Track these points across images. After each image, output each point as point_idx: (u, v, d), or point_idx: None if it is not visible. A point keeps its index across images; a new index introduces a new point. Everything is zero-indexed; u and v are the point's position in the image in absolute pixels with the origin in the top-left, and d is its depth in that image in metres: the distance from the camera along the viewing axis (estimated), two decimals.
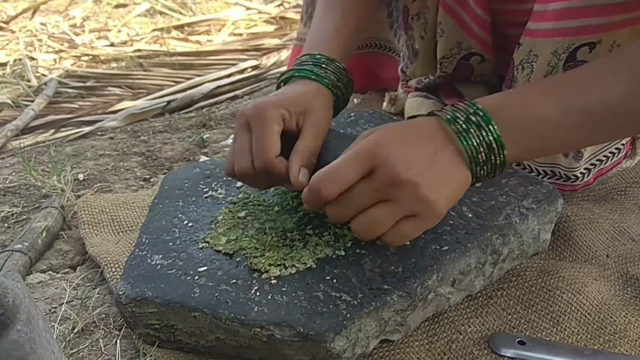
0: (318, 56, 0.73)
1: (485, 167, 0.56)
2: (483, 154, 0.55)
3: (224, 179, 0.77)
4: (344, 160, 0.54)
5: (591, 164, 0.77)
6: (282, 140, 0.65)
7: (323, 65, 0.72)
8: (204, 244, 0.66)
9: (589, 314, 0.63)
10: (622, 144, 0.79)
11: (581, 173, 0.76)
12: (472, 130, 0.55)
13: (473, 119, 0.55)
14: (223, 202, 0.73)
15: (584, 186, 0.78)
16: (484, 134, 0.55)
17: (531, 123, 0.56)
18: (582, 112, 0.56)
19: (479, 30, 0.82)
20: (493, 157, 0.56)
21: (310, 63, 0.72)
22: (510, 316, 0.64)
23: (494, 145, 0.55)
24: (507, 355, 0.59)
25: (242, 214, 0.70)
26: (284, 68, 1.24)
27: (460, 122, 0.55)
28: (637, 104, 0.56)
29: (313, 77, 0.71)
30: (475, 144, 0.55)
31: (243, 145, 0.66)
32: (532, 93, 0.58)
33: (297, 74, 0.71)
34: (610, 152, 0.79)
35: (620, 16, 0.66)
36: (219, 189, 0.75)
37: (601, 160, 0.78)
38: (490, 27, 0.82)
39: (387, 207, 0.54)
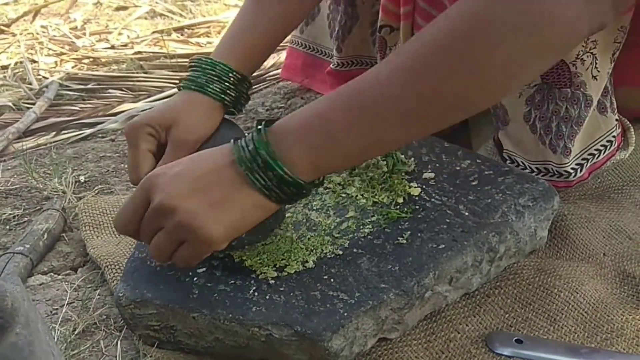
0: (208, 61, 0.75)
1: (282, 191, 0.56)
2: (274, 184, 0.55)
3: None
4: (130, 197, 0.59)
5: (583, 159, 0.78)
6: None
7: (210, 71, 0.75)
8: None
9: (586, 312, 0.63)
10: (614, 136, 0.80)
11: (573, 169, 0.76)
12: (256, 169, 0.55)
13: (259, 159, 0.55)
14: None
15: (578, 181, 0.78)
16: (270, 172, 0.55)
17: (321, 133, 0.55)
18: (365, 107, 0.55)
19: None
20: (287, 185, 0.55)
21: (198, 70, 0.75)
22: (507, 315, 0.64)
23: (284, 177, 0.55)
24: (505, 353, 0.60)
25: None
26: (280, 71, 1.25)
27: (245, 157, 0.55)
28: (421, 89, 0.54)
29: (193, 87, 0.75)
30: (260, 179, 0.55)
31: (128, 162, 0.74)
32: (318, 104, 0.57)
33: (183, 84, 0.76)
34: (601, 146, 0.79)
35: None
36: None
37: (593, 155, 0.78)
38: None
39: (162, 233, 0.57)
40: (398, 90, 0.54)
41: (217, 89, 0.75)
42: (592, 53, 0.72)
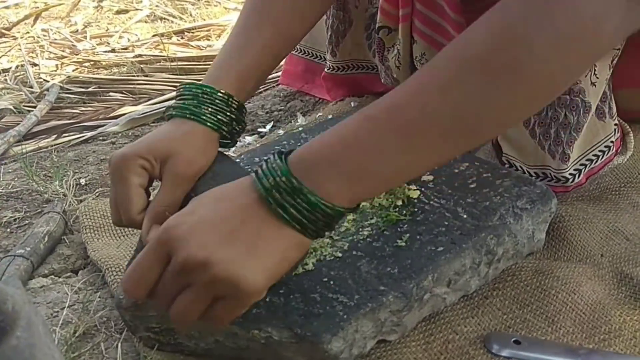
0: (204, 88, 0.68)
1: (318, 224, 0.51)
2: (311, 217, 0.51)
3: None
4: (142, 255, 0.52)
5: (581, 165, 0.78)
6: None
7: (206, 99, 0.67)
8: None
9: (583, 313, 0.64)
10: (612, 141, 0.80)
11: (571, 174, 0.77)
12: (290, 203, 0.50)
13: (283, 185, 0.50)
14: None
15: (576, 186, 0.78)
16: (299, 200, 0.50)
17: (356, 159, 0.51)
18: (401, 129, 0.51)
19: None
20: (320, 214, 0.51)
21: (192, 97, 0.67)
22: (505, 316, 0.64)
23: (314, 206, 0.50)
24: (503, 354, 0.60)
25: None
26: (280, 73, 1.25)
27: (274, 192, 0.51)
28: (460, 105, 0.51)
29: (188, 114, 0.66)
30: (295, 214, 0.50)
31: (111, 198, 0.65)
32: (347, 128, 0.53)
33: (174, 113, 0.67)
34: (599, 151, 0.79)
35: None
36: None
37: (591, 160, 0.79)
38: None
39: (190, 292, 0.50)
40: (435, 108, 0.51)
41: (214, 118, 0.67)
42: None
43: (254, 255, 0.50)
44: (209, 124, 0.67)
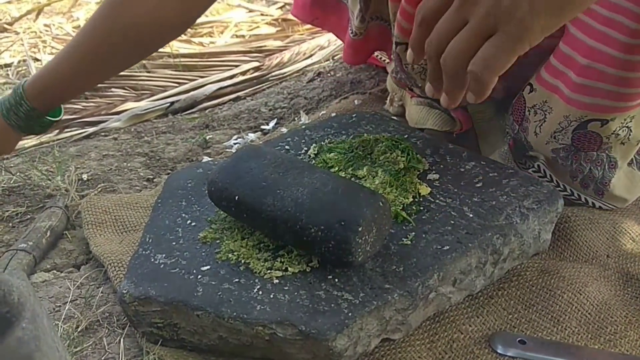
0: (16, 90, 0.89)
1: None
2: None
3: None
4: None
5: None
6: None
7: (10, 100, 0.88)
8: (205, 241, 0.66)
9: (589, 313, 0.63)
10: None
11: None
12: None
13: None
14: None
15: None
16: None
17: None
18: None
19: None
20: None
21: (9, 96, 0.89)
22: (510, 315, 0.64)
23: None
24: (508, 354, 0.60)
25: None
26: (286, 69, 1.24)
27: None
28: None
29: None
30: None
31: None
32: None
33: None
34: None
35: (637, 101, 0.68)
36: None
37: None
38: None
39: (467, 28, 0.52)
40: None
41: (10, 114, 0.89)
42: (627, 127, 0.72)
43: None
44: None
